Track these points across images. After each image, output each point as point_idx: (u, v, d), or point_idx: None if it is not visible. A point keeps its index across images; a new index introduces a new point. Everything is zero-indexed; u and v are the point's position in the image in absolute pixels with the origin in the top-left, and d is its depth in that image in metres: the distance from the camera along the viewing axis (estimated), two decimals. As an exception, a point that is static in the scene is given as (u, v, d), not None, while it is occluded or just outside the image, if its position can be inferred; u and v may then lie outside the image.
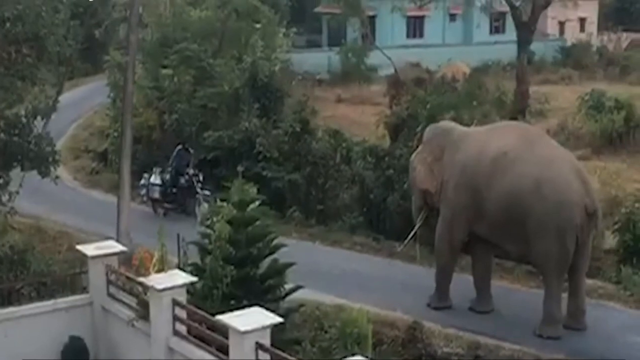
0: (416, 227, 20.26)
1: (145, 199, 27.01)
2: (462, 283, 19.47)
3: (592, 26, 57.26)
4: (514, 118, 25.06)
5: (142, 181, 26.94)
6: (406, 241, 20.83)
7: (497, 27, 52.92)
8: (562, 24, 55.77)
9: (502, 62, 45.34)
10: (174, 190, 26.81)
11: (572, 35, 54.84)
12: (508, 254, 18.79)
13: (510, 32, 36.89)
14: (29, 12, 19.97)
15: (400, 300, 19.53)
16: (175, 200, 26.83)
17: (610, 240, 22.35)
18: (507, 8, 32.51)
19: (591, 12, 57.46)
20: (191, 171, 26.74)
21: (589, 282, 20.41)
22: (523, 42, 30.43)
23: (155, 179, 26.83)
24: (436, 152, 19.41)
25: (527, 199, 17.39)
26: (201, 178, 26.59)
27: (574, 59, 50.60)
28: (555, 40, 53.98)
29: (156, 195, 26.76)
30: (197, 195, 26.24)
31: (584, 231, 17.48)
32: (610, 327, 18.22)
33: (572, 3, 44.17)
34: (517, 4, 31.40)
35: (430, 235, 20.03)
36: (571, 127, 33.46)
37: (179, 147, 27.52)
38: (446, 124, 21.02)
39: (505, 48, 43.01)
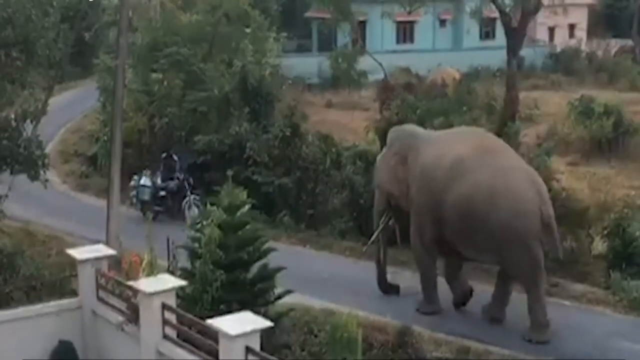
0: (379, 229, 20.47)
1: (134, 200, 26.98)
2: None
3: (581, 32, 57.47)
4: (503, 124, 25.12)
5: (132, 182, 26.92)
6: (369, 242, 21.05)
7: (487, 32, 53.04)
8: (551, 30, 55.97)
9: (492, 68, 45.47)
10: (164, 193, 26.82)
11: (562, 41, 55.06)
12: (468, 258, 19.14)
13: (500, 38, 36.97)
14: (19, 16, 19.92)
15: (389, 304, 19.57)
16: (164, 203, 26.83)
17: (600, 246, 22.43)
18: (497, 14, 32.54)
19: (581, 19, 57.67)
20: (181, 175, 26.76)
21: (579, 287, 20.57)
22: (513, 48, 30.45)
23: (145, 181, 26.83)
24: (400, 155, 19.63)
25: (482, 208, 17.66)
26: (191, 182, 26.64)
27: (563, 65, 50.82)
28: (545, 46, 54.18)
29: (146, 197, 26.74)
30: (187, 199, 26.28)
31: (542, 237, 17.72)
32: (599, 333, 18.29)
33: (561, 9, 44.26)
34: (507, 9, 31.44)
35: (393, 236, 20.55)
36: (560, 133, 33.60)
37: (164, 155, 27.53)
38: (409, 127, 21.26)
39: (495, 54, 43.10)
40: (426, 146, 19.21)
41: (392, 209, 20.10)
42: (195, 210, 25.58)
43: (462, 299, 19.61)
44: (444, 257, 19.61)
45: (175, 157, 27.43)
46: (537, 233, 17.60)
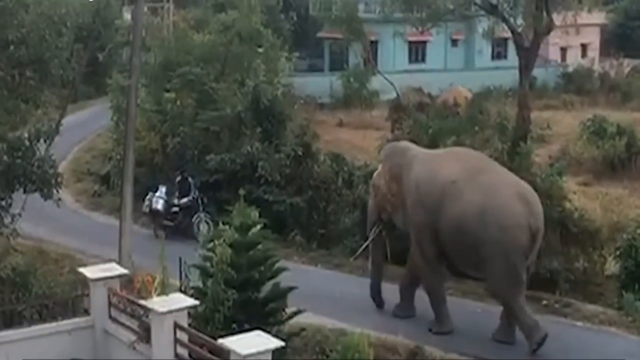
0: (368, 240, 20.87)
1: (147, 210, 27.04)
2: (466, 308, 19.45)
3: (594, 52, 57.50)
4: (515, 143, 25.09)
5: (148, 195, 27.09)
6: (357, 254, 21.62)
7: (499, 52, 53.15)
8: (564, 50, 56.01)
9: (503, 88, 45.48)
10: (177, 208, 26.91)
11: (574, 61, 55.04)
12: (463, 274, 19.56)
13: (512, 58, 37.06)
14: (33, 35, 20.09)
15: (401, 324, 19.50)
16: (175, 219, 26.87)
17: (612, 266, 22.34)
18: (509, 34, 32.57)
19: (593, 39, 57.70)
20: (195, 193, 26.89)
21: (591, 307, 20.46)
22: (525, 67, 30.47)
23: (160, 193, 27.05)
24: (393, 171, 19.98)
25: (473, 227, 18.02)
26: (204, 200, 26.74)
27: (575, 84, 50.79)
28: (557, 66, 54.16)
29: (159, 206, 26.83)
30: (197, 215, 26.35)
31: (530, 251, 18.01)
32: (612, 354, 18.16)
33: (574, 29, 44.24)
34: (519, 30, 31.49)
35: (380, 252, 20.75)
36: (573, 153, 33.56)
37: (179, 177, 27.67)
38: (403, 143, 21.75)
39: (507, 73, 43.18)
40: (417, 163, 19.61)
41: (384, 223, 20.45)
42: (204, 227, 25.67)
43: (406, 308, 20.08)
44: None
45: (189, 178, 27.53)
46: (524, 246, 17.88)
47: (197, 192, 26.99)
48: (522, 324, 18.13)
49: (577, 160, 32.90)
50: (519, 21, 32.29)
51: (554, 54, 55.60)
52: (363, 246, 21.14)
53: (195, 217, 26.58)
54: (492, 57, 53.25)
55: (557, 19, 31.49)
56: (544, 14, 29.74)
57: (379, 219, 20.48)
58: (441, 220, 18.60)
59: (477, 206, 18.07)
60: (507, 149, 24.47)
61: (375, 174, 21.19)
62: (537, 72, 40.55)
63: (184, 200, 26.97)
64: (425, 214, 18.96)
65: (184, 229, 26.35)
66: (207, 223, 25.83)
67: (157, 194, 27.12)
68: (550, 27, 30.56)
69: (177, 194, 27.26)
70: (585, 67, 53.37)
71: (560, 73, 52.99)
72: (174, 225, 26.68)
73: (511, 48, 40.15)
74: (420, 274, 19.82)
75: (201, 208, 26.56)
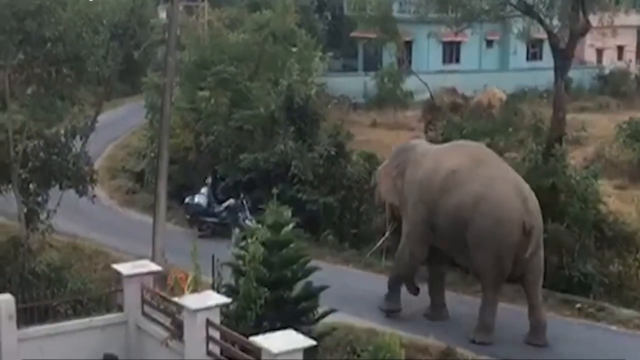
0: (384, 237, 21.62)
1: (189, 201, 27.28)
2: (509, 314, 19.44)
3: (630, 54, 56.85)
4: (550, 145, 24.90)
5: (189, 196, 27.49)
6: (373, 249, 22.22)
7: (534, 53, 52.70)
8: (600, 52, 55.44)
9: (538, 89, 45.14)
10: (220, 207, 27.07)
11: (610, 63, 54.51)
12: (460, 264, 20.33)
13: (547, 59, 36.71)
14: (70, 33, 20.32)
15: (433, 325, 19.44)
16: (217, 216, 27.01)
17: (647, 270, 22.13)
18: (544, 35, 32.32)
19: (630, 40, 57.06)
20: (241, 195, 27.01)
21: (626, 311, 20.28)
22: (560, 69, 30.18)
23: (203, 190, 27.45)
24: (400, 168, 20.56)
25: (468, 214, 18.53)
26: (248, 203, 26.84)
27: (611, 86, 50.28)
28: (593, 68, 53.67)
29: (202, 201, 27.06)
30: (240, 217, 26.46)
31: (522, 247, 18.22)
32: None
33: (610, 31, 43.84)
34: (555, 31, 31.22)
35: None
36: (608, 156, 33.23)
37: (211, 178, 27.87)
38: (413, 141, 22.51)
39: (541, 75, 42.81)
40: (423, 160, 20.06)
41: (397, 220, 20.88)
42: (237, 230, 25.81)
43: (437, 312, 20.22)
44: (430, 267, 20.36)
45: (221, 178, 27.77)
46: (514, 242, 18.20)
47: (242, 194, 27.08)
48: (484, 316, 18.56)
49: (613, 163, 32.56)
50: (555, 22, 32.01)
51: (590, 56, 55.08)
52: (378, 243, 21.80)
53: (239, 217, 26.70)
54: (527, 58, 52.80)
55: (593, 20, 31.20)
56: (580, 14, 29.46)
57: (393, 216, 20.93)
58: (440, 211, 19.07)
59: (474, 196, 18.52)
60: (541, 151, 24.28)
61: (378, 170, 21.93)
62: (573, 73, 40.11)
63: (230, 201, 27.13)
64: (424, 210, 19.46)
65: (226, 228, 26.49)
66: (241, 227, 25.97)
67: (201, 192, 27.44)
68: (586, 29, 30.27)
69: (217, 194, 27.50)
70: (622, 69, 52.83)
71: (596, 75, 52.48)
72: (216, 225, 26.85)
73: (546, 49, 39.90)
74: (397, 260, 20.42)
75: (246, 211, 26.71)
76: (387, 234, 21.47)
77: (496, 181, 18.73)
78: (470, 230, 18.45)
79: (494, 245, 18.22)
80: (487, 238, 18.26)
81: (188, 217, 27.53)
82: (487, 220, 18.27)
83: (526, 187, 19.08)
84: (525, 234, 18.16)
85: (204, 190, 27.72)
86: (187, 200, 27.50)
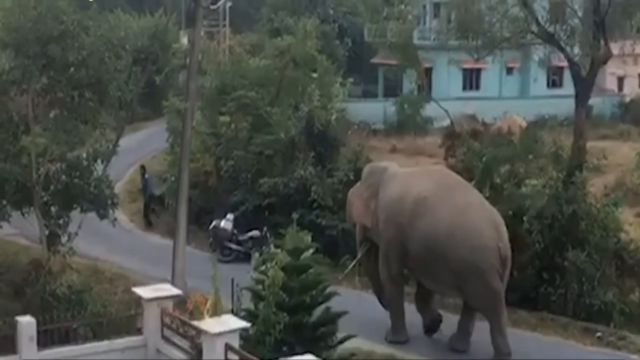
0: (356, 259, 21.84)
1: (216, 224, 27.44)
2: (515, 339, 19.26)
3: (652, 82, 56.63)
4: (570, 173, 24.83)
5: (214, 222, 27.65)
6: (347, 270, 22.34)
7: (554, 81, 52.61)
8: (621, 80, 55.26)
9: (559, 117, 44.99)
10: (245, 236, 27.24)
11: (632, 91, 54.31)
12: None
13: (568, 87, 36.66)
14: (93, 58, 20.54)
15: (450, 351, 19.36)
16: (242, 244, 27.07)
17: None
18: (565, 62, 32.30)
19: (651, 68, 56.91)
20: (264, 229, 27.03)
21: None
22: (581, 96, 30.13)
23: (229, 216, 27.71)
24: (372, 189, 20.75)
25: (442, 244, 18.67)
26: (272, 238, 26.89)
27: (632, 114, 50.02)
28: (613, 96, 53.51)
29: (228, 227, 27.25)
30: (264, 249, 26.48)
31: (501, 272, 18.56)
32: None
33: (631, 59, 43.76)
34: (576, 59, 31.21)
35: (372, 267, 21.31)
36: (629, 184, 33.06)
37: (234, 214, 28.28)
38: (383, 163, 22.72)
39: (562, 102, 42.69)
40: (393, 181, 20.26)
41: (369, 241, 21.10)
42: (256, 255, 25.83)
43: (431, 326, 20.50)
44: (416, 286, 20.64)
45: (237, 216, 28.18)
46: (494, 267, 18.38)
47: (265, 229, 27.11)
48: (497, 341, 18.57)
49: (634, 191, 32.38)
50: (576, 50, 32.01)
51: (611, 84, 54.92)
52: (351, 265, 22.06)
53: (263, 249, 26.74)
54: (548, 86, 52.66)
55: (614, 47, 31.15)
56: (601, 42, 29.46)
57: (365, 237, 21.09)
58: (411, 235, 19.20)
59: (447, 224, 18.63)
60: (562, 178, 24.21)
61: (350, 192, 21.98)
62: (594, 101, 40.01)
63: (255, 232, 27.25)
64: (395, 230, 19.60)
65: (248, 256, 26.55)
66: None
67: (227, 217, 27.65)
68: (607, 56, 30.24)
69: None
70: (643, 97, 52.61)
71: (617, 103, 52.29)
72: (239, 252, 26.94)
73: (567, 76, 39.83)
74: (384, 286, 20.53)
75: (269, 241, 26.75)
76: (359, 255, 21.67)
77: (467, 209, 18.95)
78: (448, 261, 18.58)
79: (477, 274, 18.42)
80: (466, 267, 18.44)
81: (211, 240, 27.59)
82: (461, 249, 18.45)
83: (497, 214, 19.41)
84: (502, 259, 18.42)
85: (229, 216, 27.87)
86: (213, 223, 27.60)
